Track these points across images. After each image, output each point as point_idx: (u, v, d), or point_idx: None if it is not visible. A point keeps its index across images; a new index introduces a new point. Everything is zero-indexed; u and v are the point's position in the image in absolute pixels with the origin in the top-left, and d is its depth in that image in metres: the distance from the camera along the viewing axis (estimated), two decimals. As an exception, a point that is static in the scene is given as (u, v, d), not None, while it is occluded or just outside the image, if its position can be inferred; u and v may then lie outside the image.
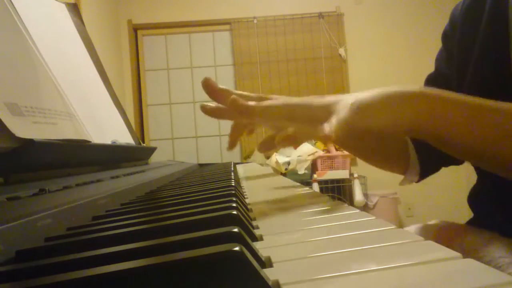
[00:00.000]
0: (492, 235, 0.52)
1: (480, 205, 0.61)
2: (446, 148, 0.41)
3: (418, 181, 0.60)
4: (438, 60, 0.70)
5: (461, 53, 0.62)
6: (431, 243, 0.21)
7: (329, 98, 0.44)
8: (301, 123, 0.44)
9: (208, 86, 0.52)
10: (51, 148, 0.51)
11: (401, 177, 0.60)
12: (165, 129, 3.51)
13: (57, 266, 0.20)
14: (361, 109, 0.40)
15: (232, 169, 0.91)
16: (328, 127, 0.39)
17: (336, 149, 2.92)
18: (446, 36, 0.67)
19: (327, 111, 0.42)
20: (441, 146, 0.41)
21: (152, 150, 1.19)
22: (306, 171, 2.93)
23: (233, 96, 0.45)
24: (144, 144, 1.29)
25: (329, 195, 0.42)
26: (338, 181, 2.98)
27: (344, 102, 0.41)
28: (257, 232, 0.28)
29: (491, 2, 0.56)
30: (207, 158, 3.42)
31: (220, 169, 1.02)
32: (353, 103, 0.40)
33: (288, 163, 2.91)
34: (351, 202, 2.95)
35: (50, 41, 0.75)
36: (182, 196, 0.45)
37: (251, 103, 0.44)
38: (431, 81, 0.72)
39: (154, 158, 1.30)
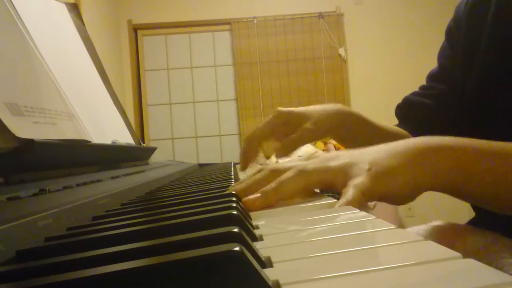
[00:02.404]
0: (495, 235, 0.52)
1: None
2: (466, 198, 0.41)
3: None
4: (441, 56, 0.70)
5: (466, 49, 0.61)
6: (431, 243, 0.21)
7: (344, 159, 0.41)
8: (318, 186, 0.42)
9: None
10: (51, 148, 0.51)
11: None
12: (165, 129, 3.50)
13: (57, 266, 0.20)
14: (378, 176, 0.38)
15: (232, 169, 0.91)
16: (347, 196, 0.36)
17: (336, 149, 2.92)
18: (450, 32, 0.67)
19: (343, 174, 0.40)
20: (462, 197, 0.41)
21: (152, 150, 1.19)
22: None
23: (245, 199, 0.40)
24: (144, 144, 1.29)
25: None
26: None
27: (360, 166, 0.39)
28: (257, 232, 0.28)
29: None
30: (207, 158, 3.42)
31: (220, 169, 1.02)
32: (370, 168, 0.38)
33: (288, 163, 2.90)
34: (351, 202, 2.94)
35: (50, 41, 0.75)
36: (182, 196, 0.45)
37: (263, 190, 0.40)
38: (433, 77, 0.71)
39: (154, 158, 1.30)
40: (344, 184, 0.38)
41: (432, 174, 0.39)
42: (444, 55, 0.69)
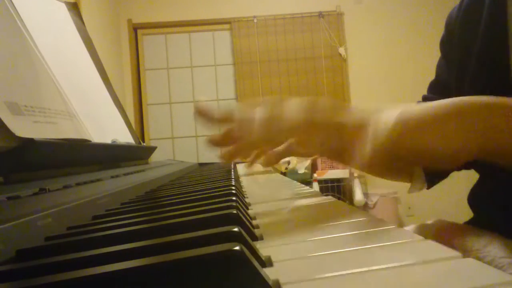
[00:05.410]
0: (493, 235, 0.52)
1: (481, 205, 0.61)
2: None
3: (428, 188, 0.57)
4: (438, 67, 0.70)
5: (459, 59, 0.61)
6: (431, 242, 0.21)
7: (355, 115, 0.33)
8: (325, 150, 0.32)
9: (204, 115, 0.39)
10: (51, 147, 0.51)
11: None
12: (165, 128, 3.50)
13: (57, 265, 0.20)
14: (408, 129, 0.30)
15: (232, 168, 0.91)
16: (362, 155, 0.29)
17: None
18: (443, 44, 0.67)
19: (359, 132, 0.31)
20: None
21: (152, 149, 1.19)
22: (306, 171, 2.93)
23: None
24: (144, 144, 1.29)
25: (329, 195, 0.42)
26: (338, 180, 2.98)
27: (380, 126, 0.31)
28: (257, 231, 0.28)
29: (489, 7, 0.55)
30: (207, 157, 3.42)
31: (220, 168, 1.02)
32: (396, 123, 0.30)
33: (288, 162, 2.91)
34: (351, 201, 2.95)
35: (50, 40, 0.75)
36: (182, 196, 0.45)
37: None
38: (431, 88, 0.71)
39: (154, 157, 1.30)
40: (358, 144, 0.31)
41: (485, 134, 0.30)
42: (440, 66, 0.69)
